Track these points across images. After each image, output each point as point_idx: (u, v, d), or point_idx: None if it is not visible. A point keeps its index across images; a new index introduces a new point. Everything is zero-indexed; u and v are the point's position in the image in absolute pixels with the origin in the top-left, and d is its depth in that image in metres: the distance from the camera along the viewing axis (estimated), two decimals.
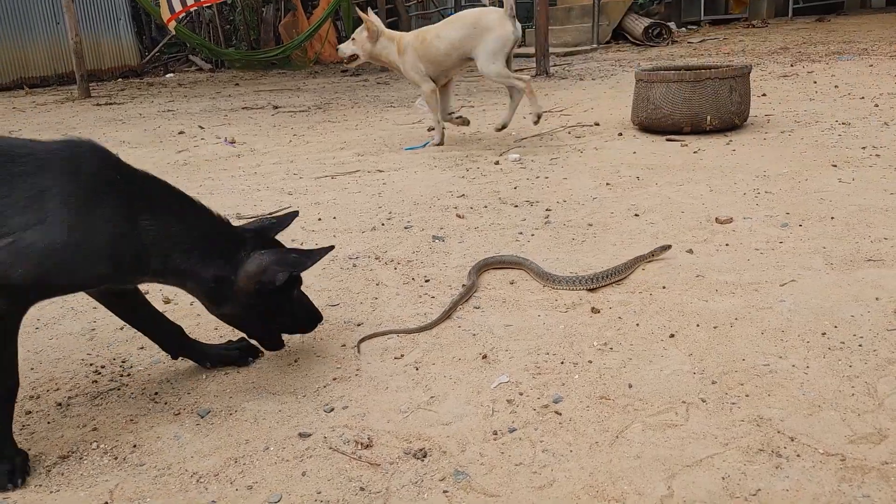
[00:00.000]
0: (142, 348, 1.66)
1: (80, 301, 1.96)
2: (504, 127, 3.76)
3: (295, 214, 1.58)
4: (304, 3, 10.78)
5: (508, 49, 3.50)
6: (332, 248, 1.47)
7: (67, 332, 1.77)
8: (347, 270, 2.08)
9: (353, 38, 3.77)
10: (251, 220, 1.46)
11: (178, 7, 6.58)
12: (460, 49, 3.53)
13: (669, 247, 2.01)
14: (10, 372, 1.22)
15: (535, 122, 3.67)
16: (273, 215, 1.49)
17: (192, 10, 6.59)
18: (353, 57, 3.81)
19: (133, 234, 1.24)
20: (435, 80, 3.69)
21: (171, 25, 6.84)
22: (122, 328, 1.77)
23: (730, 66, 3.52)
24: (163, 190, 1.34)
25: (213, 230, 1.36)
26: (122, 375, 1.55)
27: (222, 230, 1.37)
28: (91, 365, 1.60)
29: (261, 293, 1.36)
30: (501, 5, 3.56)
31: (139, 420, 1.36)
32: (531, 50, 7.36)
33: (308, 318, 1.51)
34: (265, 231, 1.45)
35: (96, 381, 1.53)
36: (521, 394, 1.37)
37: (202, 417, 1.35)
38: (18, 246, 1.13)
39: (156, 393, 1.46)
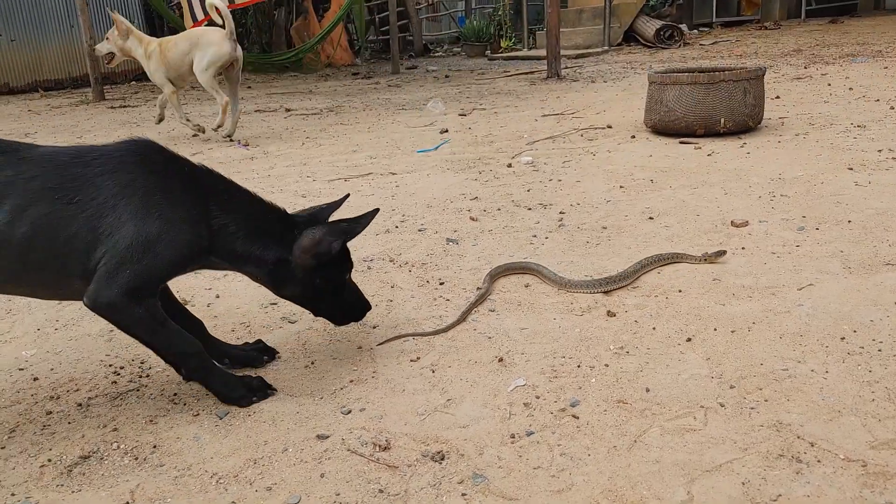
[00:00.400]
0: None
1: None
2: (220, 127, 4.52)
3: (346, 197, 1.67)
4: (315, 7, 10.82)
5: (222, 64, 4.26)
6: (377, 210, 1.55)
7: (86, 333, 1.79)
8: (363, 273, 2.09)
9: (107, 38, 4.43)
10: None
11: (200, 15, 6.55)
12: (187, 58, 4.31)
13: (724, 252, 1.97)
14: (180, 344, 1.36)
15: (199, 133, 4.63)
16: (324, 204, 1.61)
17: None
18: (111, 55, 4.48)
19: (205, 222, 1.34)
20: (174, 83, 4.46)
21: None
22: None
23: (744, 67, 3.50)
24: (222, 181, 1.43)
25: (269, 216, 1.44)
26: (141, 376, 1.56)
27: (277, 216, 1.46)
28: (110, 366, 1.62)
29: (318, 266, 1.44)
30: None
31: (159, 421, 1.37)
32: (542, 52, 7.36)
33: (360, 304, 1.57)
34: (318, 215, 1.52)
35: (115, 382, 1.54)
36: (537, 397, 1.37)
37: (221, 419, 1.36)
38: (120, 248, 1.24)
39: (175, 394, 1.47)
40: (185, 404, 1.43)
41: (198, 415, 1.38)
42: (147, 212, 1.26)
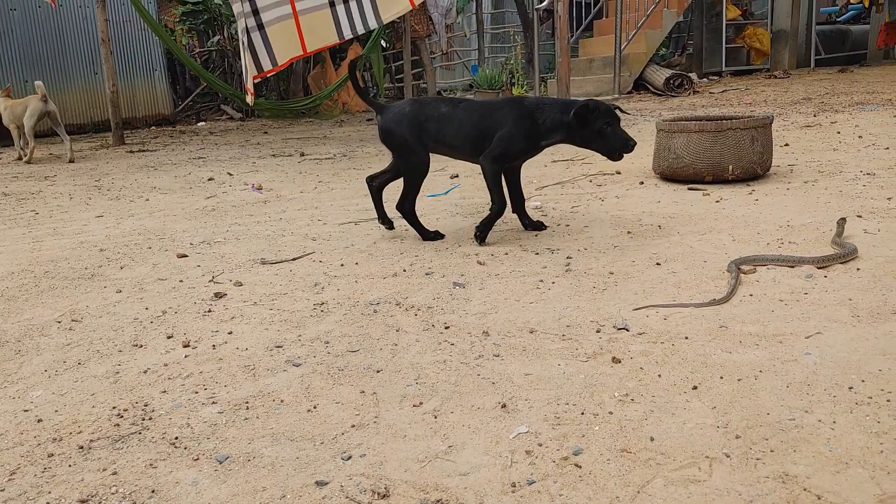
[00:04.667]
0: (164, 392, 1.67)
1: (106, 344, 1.99)
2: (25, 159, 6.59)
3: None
4: (332, 55, 11.11)
5: (37, 116, 6.45)
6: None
7: (92, 375, 1.80)
8: (368, 316, 2.09)
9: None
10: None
11: (268, 66, 6.12)
12: (20, 110, 6.52)
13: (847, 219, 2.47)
14: (500, 197, 2.77)
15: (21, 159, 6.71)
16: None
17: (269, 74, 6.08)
18: None
19: (536, 126, 2.72)
20: (18, 127, 6.61)
21: (251, 94, 6.30)
22: (145, 371, 1.80)
23: (751, 116, 3.54)
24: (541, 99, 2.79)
25: (562, 106, 2.73)
26: (144, 419, 1.56)
27: (565, 105, 2.73)
28: (114, 408, 1.62)
29: (585, 121, 2.68)
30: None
31: (159, 465, 1.36)
32: None
33: (624, 142, 2.73)
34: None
35: (118, 425, 1.54)
36: (540, 445, 1.35)
37: (220, 463, 1.35)
38: (499, 140, 2.71)
39: (176, 437, 1.47)
40: (185, 448, 1.42)
41: (198, 459, 1.38)
42: (509, 126, 2.70)
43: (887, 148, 4.16)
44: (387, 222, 3.09)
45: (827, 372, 1.55)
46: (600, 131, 2.68)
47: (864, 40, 11.80)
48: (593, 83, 9.55)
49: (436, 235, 2.94)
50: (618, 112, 2.73)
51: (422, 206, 3.64)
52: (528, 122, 2.69)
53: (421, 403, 1.55)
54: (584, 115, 2.64)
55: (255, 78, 5.54)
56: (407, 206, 2.91)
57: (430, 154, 2.86)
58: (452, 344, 1.86)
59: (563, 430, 1.40)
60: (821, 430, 1.32)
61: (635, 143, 2.72)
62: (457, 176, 4.46)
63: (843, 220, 2.53)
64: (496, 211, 2.76)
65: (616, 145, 2.71)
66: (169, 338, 2.01)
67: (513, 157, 2.76)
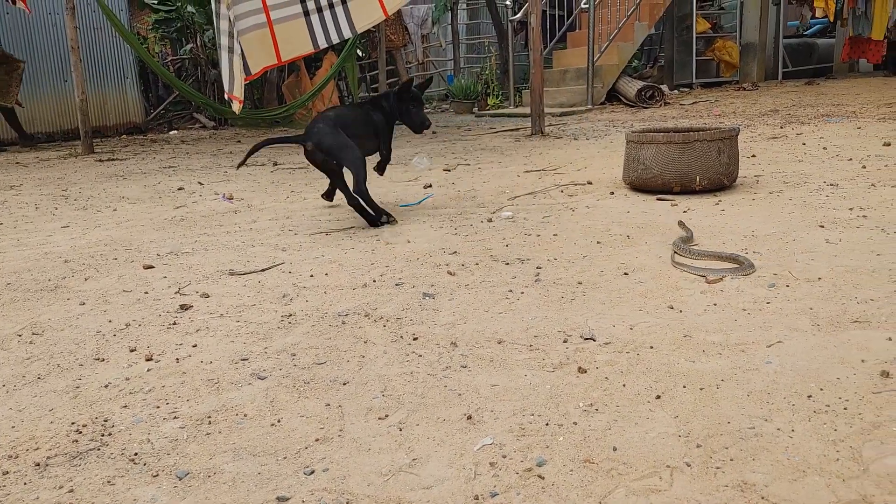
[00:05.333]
0: (125, 407, 1.64)
1: (67, 358, 1.95)
2: None
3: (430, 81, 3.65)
4: (306, 64, 11.08)
5: None
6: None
7: (52, 390, 1.76)
8: (336, 328, 2.08)
9: None
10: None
11: (253, 69, 5.89)
12: None
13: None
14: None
15: None
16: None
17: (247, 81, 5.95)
18: None
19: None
20: None
21: (239, 102, 6.03)
22: (106, 386, 1.76)
23: (718, 128, 3.60)
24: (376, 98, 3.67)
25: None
26: (103, 435, 1.53)
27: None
28: (73, 424, 1.59)
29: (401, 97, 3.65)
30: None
31: (116, 482, 1.34)
32: (528, 110, 7.53)
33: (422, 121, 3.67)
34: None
35: (77, 441, 1.51)
36: (504, 456, 1.35)
37: (180, 479, 1.33)
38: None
39: (135, 453, 1.44)
40: (145, 464, 1.40)
41: (157, 475, 1.35)
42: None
43: (850, 159, 4.26)
44: (385, 215, 3.47)
45: (787, 380, 1.57)
46: (408, 110, 3.65)
47: (829, 54, 12.11)
48: (567, 94, 9.66)
49: (388, 219, 3.47)
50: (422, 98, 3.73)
51: (395, 215, 3.64)
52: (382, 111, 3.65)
53: (386, 416, 1.54)
54: (405, 92, 3.63)
55: (245, 80, 5.43)
56: (363, 187, 3.39)
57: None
58: (420, 355, 1.86)
59: (528, 441, 1.40)
60: (779, 439, 1.34)
61: (430, 123, 3.73)
62: (430, 186, 4.46)
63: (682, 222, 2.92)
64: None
65: (417, 123, 3.66)
66: (132, 351, 1.98)
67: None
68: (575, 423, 1.46)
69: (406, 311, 2.20)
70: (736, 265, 2.39)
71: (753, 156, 4.65)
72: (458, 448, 1.39)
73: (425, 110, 3.80)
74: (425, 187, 4.43)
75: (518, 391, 1.62)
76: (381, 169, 3.87)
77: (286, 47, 5.92)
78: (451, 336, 1.97)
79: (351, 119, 3.48)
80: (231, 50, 5.44)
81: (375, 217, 3.40)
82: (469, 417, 1.51)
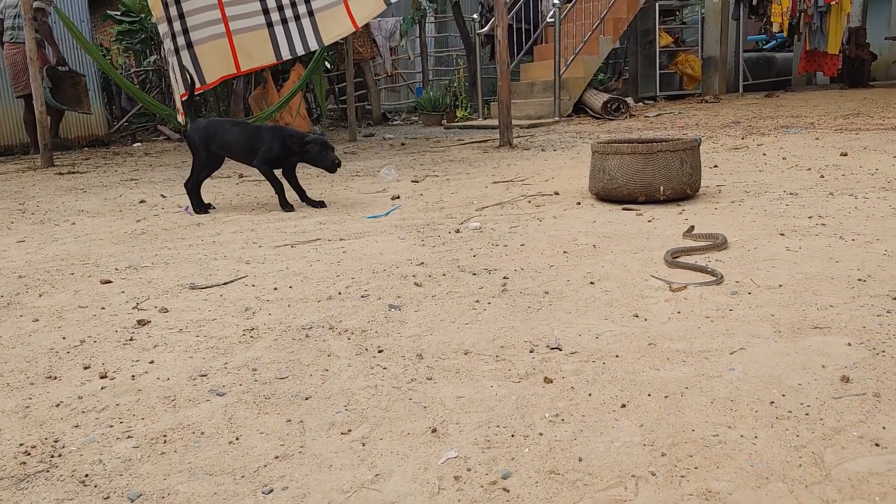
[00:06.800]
0: (76, 426, 1.58)
1: (17, 377, 1.88)
2: None
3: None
4: (274, 76, 10.99)
5: None
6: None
7: (0, 410, 1.69)
8: (299, 341, 2.04)
9: None
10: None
11: (196, 84, 5.93)
12: None
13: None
14: (277, 182, 4.19)
15: None
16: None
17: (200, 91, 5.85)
18: None
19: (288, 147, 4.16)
20: None
21: (182, 114, 5.94)
22: (58, 405, 1.69)
23: (681, 139, 3.65)
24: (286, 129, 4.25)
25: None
26: (52, 456, 1.47)
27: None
28: (21, 445, 1.52)
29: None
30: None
31: None
32: (496, 122, 7.57)
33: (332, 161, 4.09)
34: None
35: (25, 463, 1.44)
36: (469, 469, 1.33)
37: (132, 501, 1.28)
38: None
39: (86, 475, 1.38)
40: (95, 486, 1.34)
41: (108, 497, 1.30)
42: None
43: (809, 169, 4.36)
44: (204, 207, 4.33)
45: (749, 387, 1.58)
46: (317, 154, 4.11)
47: (788, 67, 12.45)
48: (535, 106, 9.74)
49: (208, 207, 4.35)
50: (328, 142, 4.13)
51: (362, 227, 3.61)
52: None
53: (349, 431, 1.51)
54: (293, 143, 4.10)
55: (181, 97, 5.42)
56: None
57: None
58: (385, 368, 1.83)
59: (493, 453, 1.38)
60: (743, 446, 1.34)
61: (340, 163, 4.17)
62: (398, 197, 4.44)
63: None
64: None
65: (329, 163, 4.10)
66: (86, 368, 1.91)
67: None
68: (541, 434, 1.44)
69: (371, 323, 2.17)
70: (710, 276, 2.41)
71: (716, 166, 4.73)
72: (423, 462, 1.37)
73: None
74: (393, 199, 4.41)
75: (484, 403, 1.60)
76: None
77: (246, 58, 5.89)
78: (416, 348, 1.94)
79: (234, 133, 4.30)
80: (174, 66, 5.49)
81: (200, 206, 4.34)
82: (434, 430, 1.48)
